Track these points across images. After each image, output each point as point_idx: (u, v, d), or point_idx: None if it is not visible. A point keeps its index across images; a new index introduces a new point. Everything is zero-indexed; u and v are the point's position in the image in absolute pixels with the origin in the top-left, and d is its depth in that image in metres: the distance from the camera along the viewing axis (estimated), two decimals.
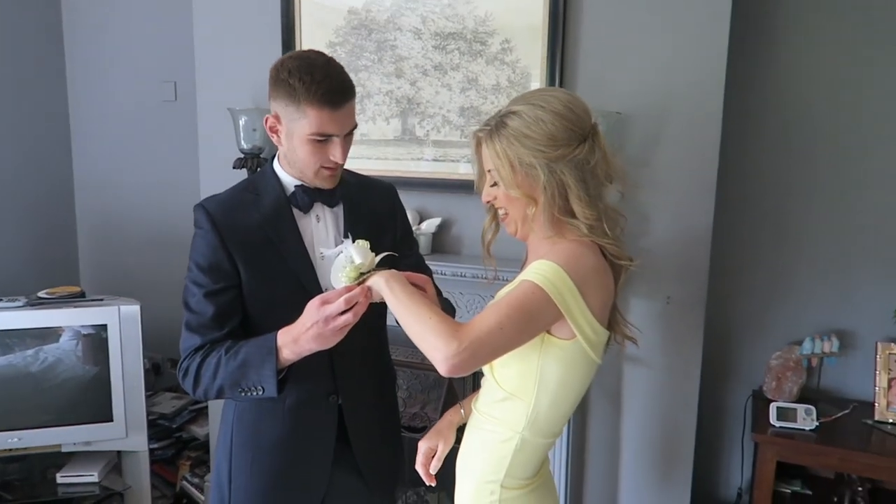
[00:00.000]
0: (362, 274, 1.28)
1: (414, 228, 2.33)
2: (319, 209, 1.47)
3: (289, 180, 1.45)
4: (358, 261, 1.27)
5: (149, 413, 2.64)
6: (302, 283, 1.42)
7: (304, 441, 1.48)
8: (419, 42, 2.29)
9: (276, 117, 1.37)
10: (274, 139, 1.41)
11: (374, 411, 1.57)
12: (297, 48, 2.42)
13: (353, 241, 1.30)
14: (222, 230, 1.39)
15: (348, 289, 1.26)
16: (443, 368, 1.15)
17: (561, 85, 2.13)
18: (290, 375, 1.37)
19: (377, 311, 1.36)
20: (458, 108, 2.28)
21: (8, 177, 3.08)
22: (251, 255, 1.40)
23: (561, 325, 1.22)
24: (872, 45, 2.21)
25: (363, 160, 2.40)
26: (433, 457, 1.46)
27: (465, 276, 2.21)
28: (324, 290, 1.42)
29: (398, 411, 1.72)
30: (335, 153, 1.37)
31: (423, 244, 2.31)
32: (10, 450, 2.43)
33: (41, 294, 2.55)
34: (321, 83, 1.30)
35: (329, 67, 1.34)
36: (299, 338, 1.28)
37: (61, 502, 2.46)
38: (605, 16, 2.10)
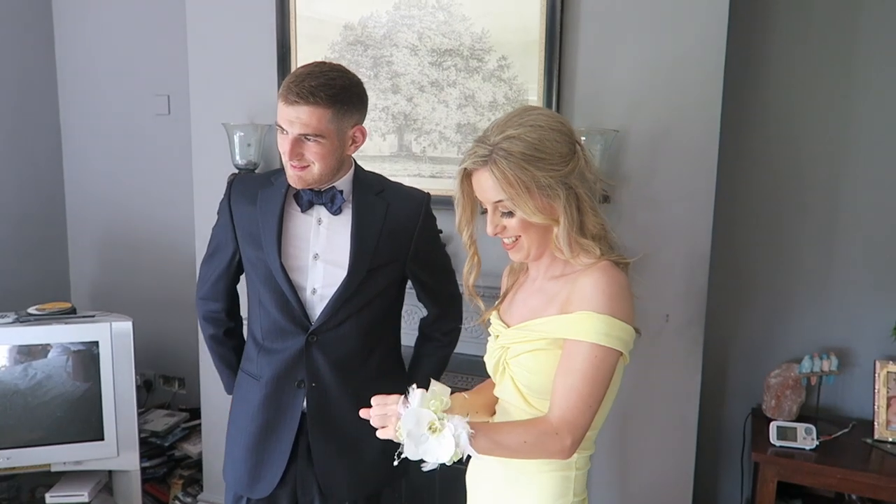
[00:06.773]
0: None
1: None
2: (322, 213, 1.51)
3: None
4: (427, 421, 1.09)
5: (140, 431, 2.61)
6: (273, 277, 1.51)
7: (275, 415, 1.56)
8: (416, 58, 2.28)
9: None
10: None
11: (342, 417, 1.54)
12: (293, 63, 2.40)
13: (427, 390, 1.12)
14: (233, 210, 1.56)
15: None
16: (567, 458, 1.21)
17: (558, 101, 2.12)
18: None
19: (374, 314, 1.57)
20: (454, 125, 2.26)
21: None
22: (246, 236, 1.55)
23: None
24: (861, 61, 2.21)
25: None
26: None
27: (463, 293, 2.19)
28: (302, 294, 1.52)
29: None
30: (284, 147, 1.42)
31: None
32: None
33: (31, 310, 2.52)
34: (291, 78, 1.38)
35: (313, 70, 1.39)
36: None
37: None
38: (602, 33, 2.09)
